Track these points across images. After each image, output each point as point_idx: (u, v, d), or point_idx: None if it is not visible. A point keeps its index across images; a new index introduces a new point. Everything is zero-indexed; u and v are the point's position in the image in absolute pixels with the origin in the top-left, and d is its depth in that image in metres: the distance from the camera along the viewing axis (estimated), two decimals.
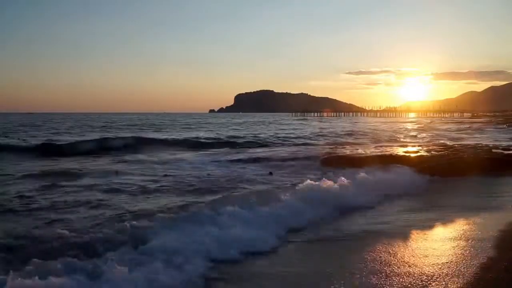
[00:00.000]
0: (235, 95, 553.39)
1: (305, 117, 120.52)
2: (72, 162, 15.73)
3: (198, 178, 11.33)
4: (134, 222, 6.20)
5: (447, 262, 5.26)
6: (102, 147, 20.59)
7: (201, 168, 13.47)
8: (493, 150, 16.09)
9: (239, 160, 15.52)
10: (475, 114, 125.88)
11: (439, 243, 6.17)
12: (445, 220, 7.41)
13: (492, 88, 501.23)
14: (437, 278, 4.77)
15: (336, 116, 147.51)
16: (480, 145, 19.07)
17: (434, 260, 5.35)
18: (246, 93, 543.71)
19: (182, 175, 12.05)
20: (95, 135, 31.00)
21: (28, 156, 17.37)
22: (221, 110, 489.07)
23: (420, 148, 17.40)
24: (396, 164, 13.28)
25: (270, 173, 12.25)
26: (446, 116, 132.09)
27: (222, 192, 9.26)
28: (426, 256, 5.53)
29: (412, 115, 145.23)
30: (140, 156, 17.27)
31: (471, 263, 5.18)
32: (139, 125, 52.29)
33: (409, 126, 54.30)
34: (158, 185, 10.39)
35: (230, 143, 24.68)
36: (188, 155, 17.99)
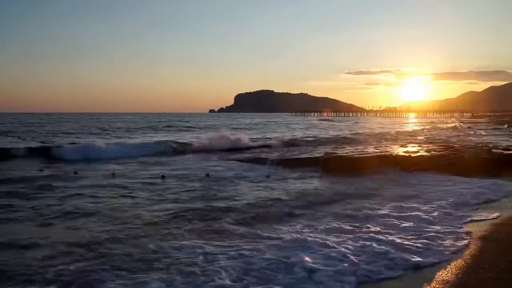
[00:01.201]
0: (235, 95, 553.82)
1: (306, 116, 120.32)
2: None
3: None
4: None
5: (446, 261, 5.28)
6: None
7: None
8: (493, 150, 16.08)
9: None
10: (475, 114, 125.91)
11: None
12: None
13: (492, 88, 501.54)
14: (437, 278, 4.78)
15: (337, 115, 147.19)
16: (480, 145, 19.07)
17: None
18: (246, 93, 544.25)
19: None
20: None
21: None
22: (221, 110, 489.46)
23: (420, 148, 17.38)
24: (398, 164, 13.32)
25: (268, 176, 12.21)
26: (447, 116, 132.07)
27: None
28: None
29: (412, 115, 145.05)
30: None
31: (471, 263, 5.19)
32: (156, 126, 49.76)
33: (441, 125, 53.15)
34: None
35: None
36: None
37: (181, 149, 20.93)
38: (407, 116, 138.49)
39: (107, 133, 36.68)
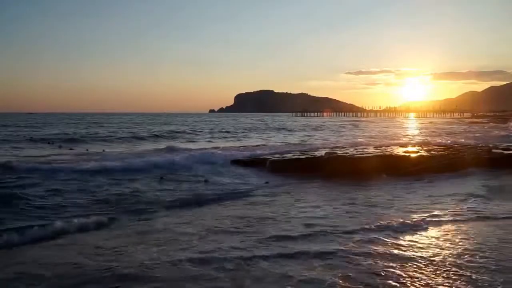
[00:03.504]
0: (235, 95, 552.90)
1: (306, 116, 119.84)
2: None
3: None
4: None
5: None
6: None
7: None
8: (493, 150, 16.15)
9: None
10: (475, 114, 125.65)
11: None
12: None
13: (492, 88, 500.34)
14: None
15: (337, 115, 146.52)
16: (480, 145, 19.12)
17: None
18: (246, 93, 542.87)
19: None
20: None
21: None
22: (221, 110, 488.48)
23: (420, 148, 17.45)
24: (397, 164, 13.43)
25: (266, 182, 11.85)
26: (447, 116, 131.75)
27: None
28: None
29: (412, 115, 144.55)
30: None
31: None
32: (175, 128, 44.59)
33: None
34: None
35: None
36: None
37: None
38: (407, 116, 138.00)
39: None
